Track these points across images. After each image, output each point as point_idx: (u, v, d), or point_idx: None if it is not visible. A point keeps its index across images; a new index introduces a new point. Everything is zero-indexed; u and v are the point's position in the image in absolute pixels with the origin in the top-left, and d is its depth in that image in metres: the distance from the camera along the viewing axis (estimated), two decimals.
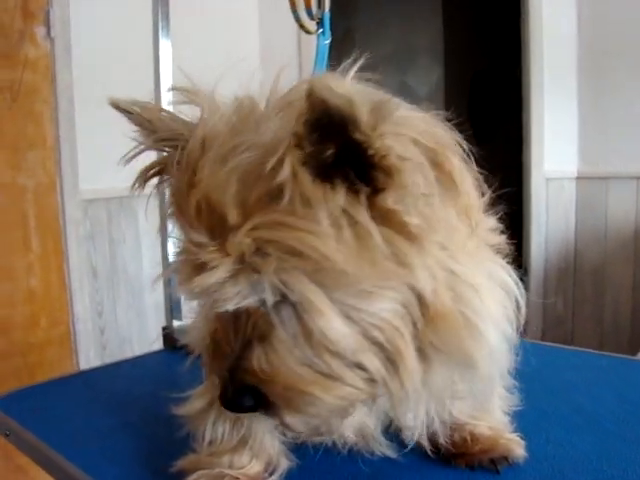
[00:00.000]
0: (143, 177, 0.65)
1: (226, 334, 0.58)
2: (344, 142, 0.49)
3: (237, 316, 0.57)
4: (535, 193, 3.17)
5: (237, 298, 0.54)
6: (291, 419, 0.58)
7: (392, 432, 0.72)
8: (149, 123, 0.62)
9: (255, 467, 0.72)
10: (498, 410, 0.78)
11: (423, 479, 0.73)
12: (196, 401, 0.73)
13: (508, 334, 0.66)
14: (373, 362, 0.55)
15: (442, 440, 0.74)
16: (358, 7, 3.99)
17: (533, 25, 3.01)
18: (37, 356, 2.38)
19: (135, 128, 0.64)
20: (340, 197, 0.51)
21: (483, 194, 0.66)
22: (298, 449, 0.75)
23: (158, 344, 1.31)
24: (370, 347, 0.55)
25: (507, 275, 0.67)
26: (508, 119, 3.82)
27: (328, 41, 0.96)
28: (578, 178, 3.19)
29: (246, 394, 0.57)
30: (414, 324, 0.56)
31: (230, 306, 0.55)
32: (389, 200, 0.51)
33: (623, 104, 2.96)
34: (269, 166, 0.50)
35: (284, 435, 0.72)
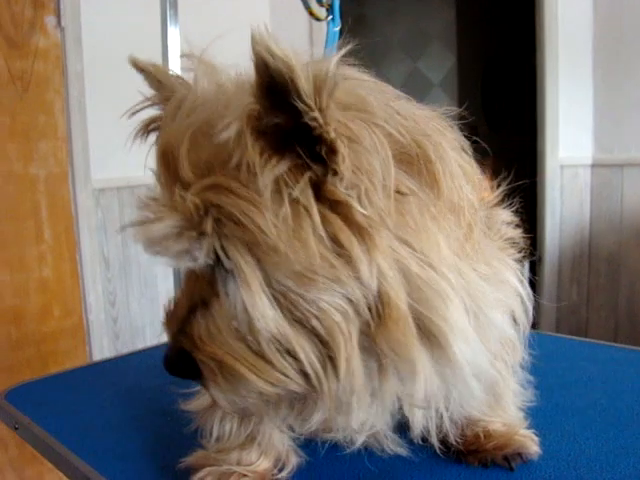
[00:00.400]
0: (142, 129, 0.65)
1: (180, 297, 0.59)
2: (292, 111, 0.47)
3: (188, 278, 0.57)
4: (550, 180, 3.13)
5: (181, 256, 0.54)
6: (217, 394, 0.56)
7: (402, 430, 0.71)
8: (158, 83, 0.63)
9: (264, 464, 0.71)
10: (512, 406, 0.76)
11: (435, 477, 0.72)
12: (203, 397, 0.72)
13: (511, 335, 0.65)
14: (307, 353, 0.53)
15: (452, 440, 0.73)
16: None
17: (548, 11, 2.97)
18: (50, 346, 2.38)
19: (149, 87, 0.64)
20: (285, 170, 0.49)
21: (494, 187, 0.65)
22: (307, 446, 0.74)
23: None
24: (306, 337, 0.52)
25: (513, 276, 0.65)
26: (521, 106, 3.77)
27: (338, 28, 0.95)
28: (593, 165, 3.15)
29: (181, 359, 0.56)
30: (366, 324, 0.53)
31: (175, 264, 0.55)
32: (339, 185, 0.49)
33: (639, 90, 2.91)
34: (220, 128, 0.49)
35: (293, 431, 0.71)
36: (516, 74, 4.02)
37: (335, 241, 0.50)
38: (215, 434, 0.72)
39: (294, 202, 0.50)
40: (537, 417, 0.78)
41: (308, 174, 0.49)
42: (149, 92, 0.64)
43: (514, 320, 0.64)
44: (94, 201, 2.48)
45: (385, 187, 0.50)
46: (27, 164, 2.29)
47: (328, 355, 0.53)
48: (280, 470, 0.72)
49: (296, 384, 0.55)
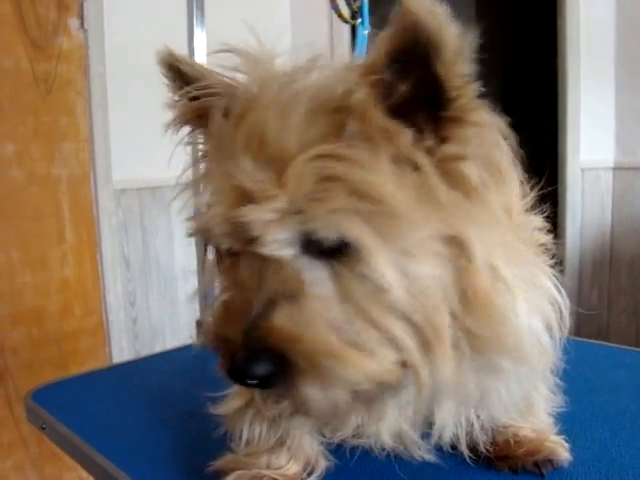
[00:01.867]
0: (181, 118, 0.62)
1: (244, 290, 0.51)
2: (423, 75, 0.46)
3: (264, 268, 0.51)
4: (570, 184, 3.11)
5: (280, 244, 0.49)
6: (311, 391, 0.50)
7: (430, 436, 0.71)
8: (200, 76, 0.59)
9: (293, 467, 0.71)
10: (542, 412, 0.76)
11: None
12: (232, 400, 0.72)
13: (545, 342, 0.64)
14: (408, 339, 0.50)
15: (482, 447, 0.72)
16: None
17: (570, 11, 2.94)
18: (71, 345, 2.40)
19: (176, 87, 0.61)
20: (407, 138, 0.48)
21: (526, 194, 0.64)
22: (336, 451, 0.74)
23: (191, 338, 1.31)
24: (407, 320, 0.50)
25: (549, 281, 0.65)
26: (542, 108, 3.74)
27: (367, 31, 0.94)
28: (615, 168, 3.12)
29: (262, 359, 0.49)
30: (453, 303, 0.51)
31: (268, 251, 0.50)
32: (453, 149, 0.49)
33: None
34: (337, 96, 0.48)
35: (323, 436, 0.71)
36: (536, 75, 4.00)
37: (452, 204, 0.50)
38: (244, 438, 0.72)
39: (415, 169, 0.49)
40: (567, 423, 0.77)
41: (428, 142, 0.49)
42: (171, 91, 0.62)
43: (550, 327, 0.64)
44: (115, 202, 2.50)
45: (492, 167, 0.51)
46: (50, 165, 2.31)
47: (424, 340, 0.51)
48: (309, 474, 0.72)
49: (393, 376, 0.52)
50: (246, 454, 0.72)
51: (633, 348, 1.19)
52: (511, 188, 0.55)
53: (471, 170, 0.50)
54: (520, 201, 0.60)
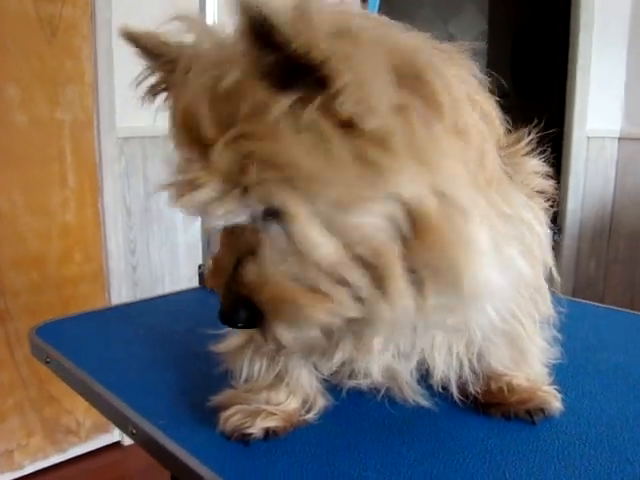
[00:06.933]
0: (150, 92, 0.69)
1: (224, 251, 0.61)
2: (279, 47, 0.48)
3: (231, 233, 0.59)
4: (575, 151, 3.10)
5: (226, 216, 0.56)
6: (281, 331, 0.58)
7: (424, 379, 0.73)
8: (154, 50, 0.64)
9: (292, 404, 0.73)
10: (537, 362, 0.77)
11: (457, 427, 0.74)
12: (232, 338, 0.74)
13: (524, 270, 0.66)
14: (359, 278, 0.55)
15: (472, 389, 0.74)
16: None
17: None
18: (71, 290, 2.42)
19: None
20: (294, 101, 0.51)
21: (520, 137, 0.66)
22: (333, 391, 0.76)
23: (194, 281, 1.32)
24: (355, 263, 0.55)
25: (533, 218, 0.66)
26: (552, 74, 3.71)
27: None
28: (620, 138, 3.11)
29: (240, 306, 0.58)
30: (403, 240, 0.55)
31: (220, 224, 0.58)
32: (346, 104, 0.50)
33: None
34: (226, 81, 0.52)
35: (321, 373, 0.73)
36: (548, 41, 3.95)
37: (362, 157, 0.51)
38: (244, 374, 0.74)
39: (313, 129, 0.51)
40: (560, 375, 0.79)
41: (317, 102, 0.51)
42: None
43: (530, 254, 0.66)
44: (118, 149, 2.48)
45: (387, 100, 0.51)
46: (53, 109, 2.29)
47: (376, 276, 0.55)
48: (308, 411, 0.74)
49: (352, 310, 0.57)
50: (246, 390, 0.74)
51: (624, 310, 1.20)
52: (458, 109, 0.56)
53: (364, 111, 0.50)
54: (488, 128, 0.61)
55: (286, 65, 0.49)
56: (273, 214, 0.54)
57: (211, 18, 1.20)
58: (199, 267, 1.32)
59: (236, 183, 0.54)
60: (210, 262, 0.65)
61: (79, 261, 2.45)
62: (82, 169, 2.41)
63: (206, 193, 0.54)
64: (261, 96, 0.51)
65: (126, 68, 2.44)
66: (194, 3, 1.23)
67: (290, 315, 0.57)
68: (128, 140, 2.52)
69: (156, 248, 2.67)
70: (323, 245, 0.54)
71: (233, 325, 0.59)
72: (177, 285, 2.67)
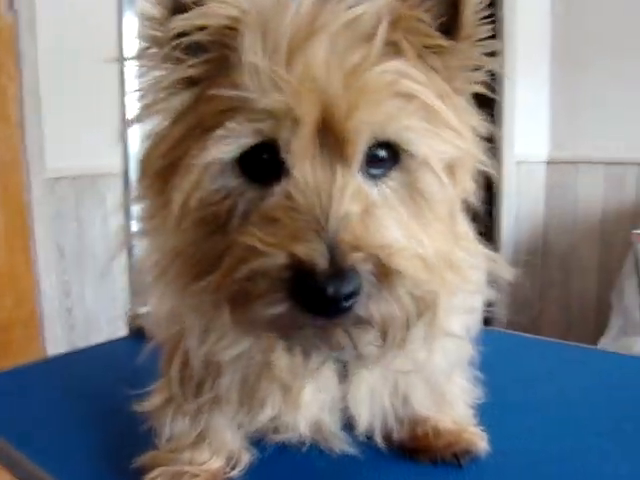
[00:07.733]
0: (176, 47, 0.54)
1: (308, 209, 0.49)
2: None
3: (327, 188, 0.50)
4: (506, 176, 3.18)
5: (360, 153, 0.52)
6: (402, 293, 0.50)
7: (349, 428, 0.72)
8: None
9: (216, 462, 0.71)
10: (461, 403, 0.78)
11: (383, 475, 0.73)
12: (154, 397, 0.72)
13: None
14: None
15: (397, 436, 0.74)
16: None
17: (507, 6, 3.00)
18: (2, 336, 2.34)
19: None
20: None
21: None
22: (258, 444, 0.75)
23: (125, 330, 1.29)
24: None
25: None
26: (478, 101, 3.81)
27: None
28: (548, 162, 3.21)
29: (352, 274, 0.47)
30: None
31: (353, 154, 0.52)
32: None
33: (594, 88, 2.98)
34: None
35: (244, 430, 0.72)
36: None
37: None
38: (167, 434, 0.72)
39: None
40: (487, 415, 0.79)
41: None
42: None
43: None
44: (48, 190, 2.43)
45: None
46: None
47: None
48: (232, 468, 0.72)
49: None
50: (169, 450, 0.72)
51: (554, 340, 1.23)
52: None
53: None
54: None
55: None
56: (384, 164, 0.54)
57: None
58: (126, 314, 1.29)
59: (382, 118, 0.52)
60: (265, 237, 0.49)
61: (10, 306, 2.37)
62: (10, 211, 2.34)
63: (358, 120, 0.51)
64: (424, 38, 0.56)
65: (55, 107, 2.40)
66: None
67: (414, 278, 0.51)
68: (59, 180, 2.46)
69: (91, 289, 2.61)
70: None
71: (334, 300, 0.46)
72: (114, 326, 2.61)
